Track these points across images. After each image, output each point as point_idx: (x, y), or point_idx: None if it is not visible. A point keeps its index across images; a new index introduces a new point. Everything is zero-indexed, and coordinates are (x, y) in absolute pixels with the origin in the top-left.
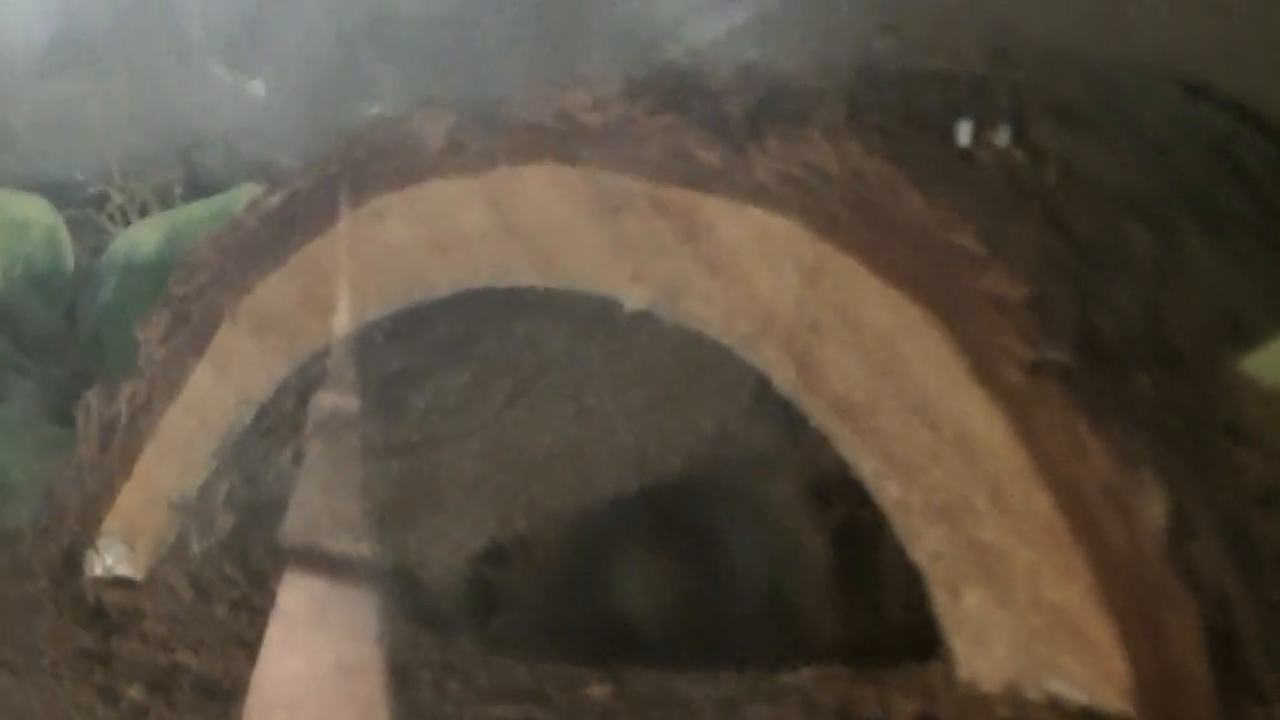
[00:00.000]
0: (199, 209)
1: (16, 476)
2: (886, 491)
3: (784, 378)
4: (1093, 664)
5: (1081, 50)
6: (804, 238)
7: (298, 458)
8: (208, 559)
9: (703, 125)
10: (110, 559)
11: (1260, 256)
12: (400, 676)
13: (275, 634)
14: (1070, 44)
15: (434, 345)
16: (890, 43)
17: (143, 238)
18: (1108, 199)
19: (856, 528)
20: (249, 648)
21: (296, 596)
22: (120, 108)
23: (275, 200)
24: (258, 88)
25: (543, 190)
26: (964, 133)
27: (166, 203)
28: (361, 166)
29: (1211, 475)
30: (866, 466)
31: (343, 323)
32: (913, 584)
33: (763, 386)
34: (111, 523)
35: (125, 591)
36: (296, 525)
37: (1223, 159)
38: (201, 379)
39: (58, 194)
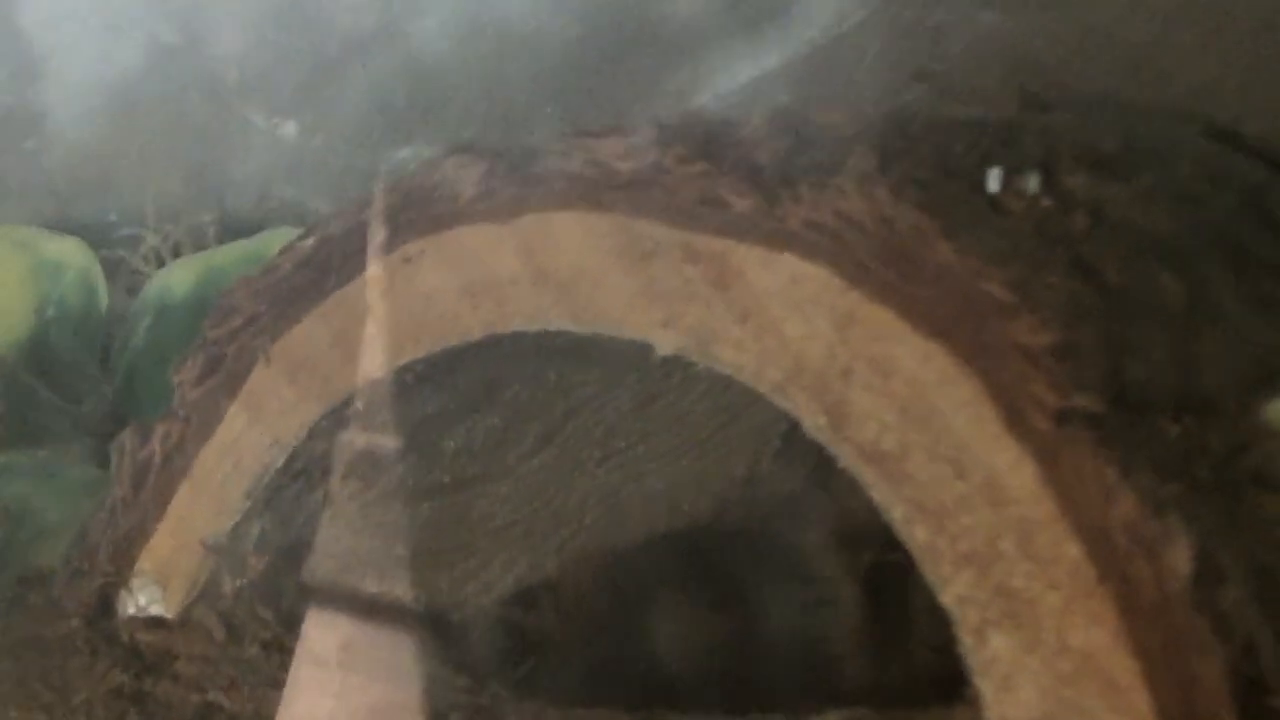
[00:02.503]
0: (232, 251)
1: (51, 516)
2: (915, 537)
3: (814, 424)
4: (1120, 709)
5: (1113, 97)
6: (835, 286)
7: (329, 500)
8: (240, 600)
9: (734, 173)
10: (143, 599)
11: None
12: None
13: (304, 675)
14: (1102, 91)
15: (465, 389)
16: (922, 90)
17: (176, 279)
18: (1138, 246)
19: (885, 572)
20: (280, 688)
21: (326, 638)
22: (155, 151)
23: (309, 244)
24: (291, 131)
25: (574, 237)
26: (993, 180)
27: (200, 244)
28: (394, 212)
29: (1240, 522)
30: (896, 512)
31: (375, 366)
32: (941, 628)
33: (792, 430)
34: (145, 563)
35: (158, 632)
36: (326, 567)
37: (1253, 207)
38: (235, 421)
39: (92, 235)
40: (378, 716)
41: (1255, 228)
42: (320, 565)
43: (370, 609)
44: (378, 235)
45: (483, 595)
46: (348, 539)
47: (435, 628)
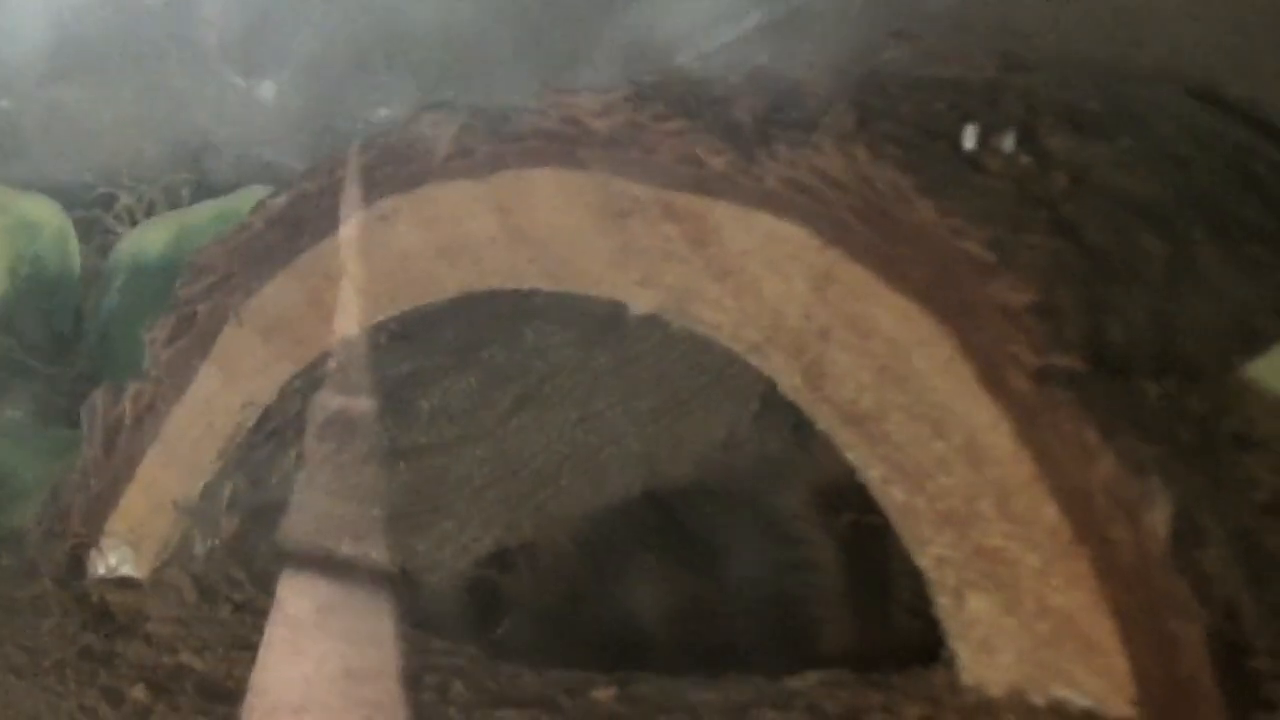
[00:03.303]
0: (206, 210)
1: (23, 477)
2: (893, 498)
3: (791, 384)
4: (1098, 670)
5: (1095, 59)
6: (813, 245)
7: (302, 460)
8: (212, 561)
9: (712, 131)
10: (114, 560)
11: (1272, 265)
12: (405, 681)
13: (278, 637)
14: (1083, 53)
15: (441, 349)
16: (902, 50)
17: (150, 239)
18: (1119, 207)
19: (863, 534)
20: (253, 650)
21: (300, 600)
22: (129, 110)
23: (282, 202)
24: (267, 91)
25: (550, 195)
26: (970, 137)
27: (175, 204)
28: (369, 169)
29: (1220, 483)
30: (874, 473)
31: (349, 325)
32: (918, 590)
33: (771, 393)
34: (116, 524)
35: (129, 593)
36: (301, 528)
37: (1235, 168)
38: (207, 381)
39: (66, 195)
40: (353, 678)
41: (1238, 189)
42: (295, 527)
43: (345, 571)
44: (352, 193)
45: (459, 557)
46: (322, 500)
47: (410, 589)
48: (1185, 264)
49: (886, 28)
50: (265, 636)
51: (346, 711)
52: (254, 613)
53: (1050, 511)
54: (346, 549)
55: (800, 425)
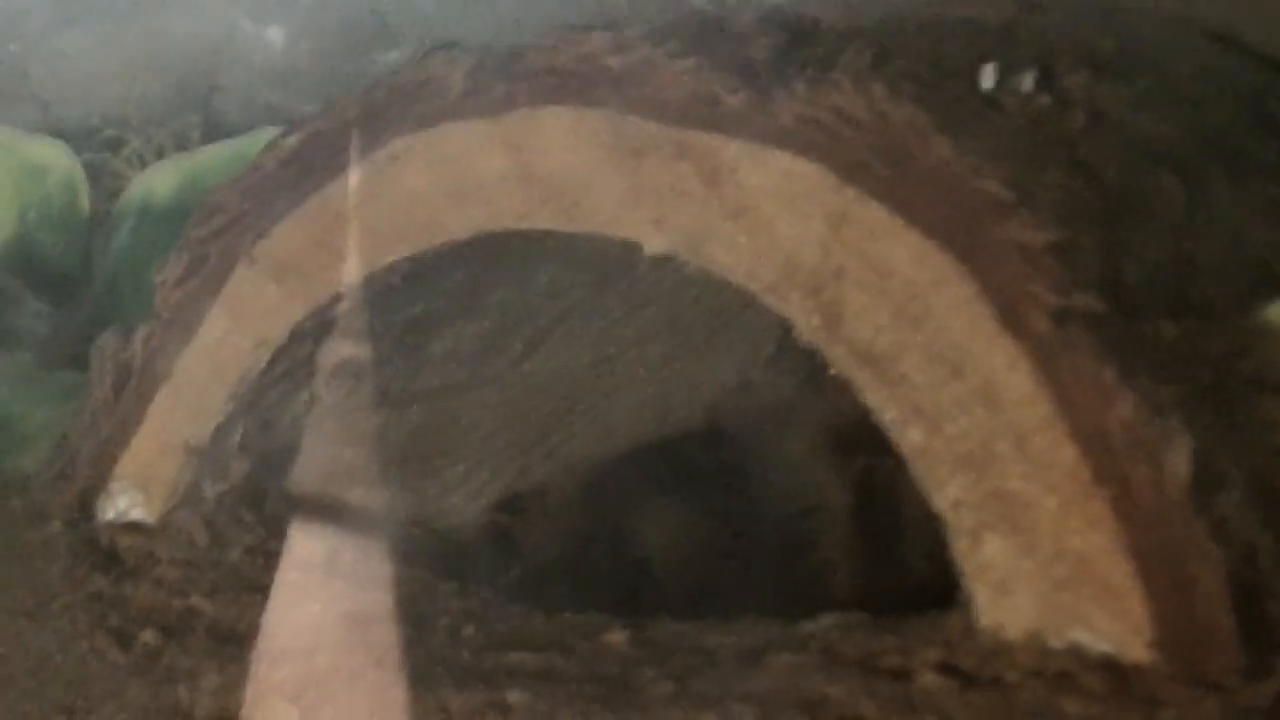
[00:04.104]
0: (216, 153)
1: (31, 421)
2: (909, 439)
3: (807, 325)
4: (1116, 613)
5: (1112, 2)
6: (829, 183)
7: (313, 403)
8: (222, 504)
9: (727, 69)
10: (124, 503)
11: None
12: (417, 624)
13: (289, 580)
14: None
15: (453, 292)
16: None
17: (159, 181)
18: (1136, 147)
19: (877, 477)
20: (263, 593)
21: (311, 543)
22: (137, 55)
23: (293, 142)
24: (275, 35)
25: (563, 134)
26: (988, 76)
27: (184, 147)
28: (380, 109)
29: (1238, 426)
30: (890, 414)
31: (360, 266)
32: (934, 532)
33: (785, 336)
34: (125, 467)
35: (139, 536)
36: (311, 472)
37: (1251, 110)
38: (217, 322)
39: (74, 139)
40: (364, 621)
41: (1254, 131)
42: (305, 471)
43: (356, 515)
44: (363, 133)
45: (471, 502)
46: (333, 444)
47: (422, 532)
48: (1202, 205)
49: None
50: (275, 580)
51: (355, 654)
52: (265, 555)
53: (1069, 453)
54: (357, 493)
55: (813, 369)
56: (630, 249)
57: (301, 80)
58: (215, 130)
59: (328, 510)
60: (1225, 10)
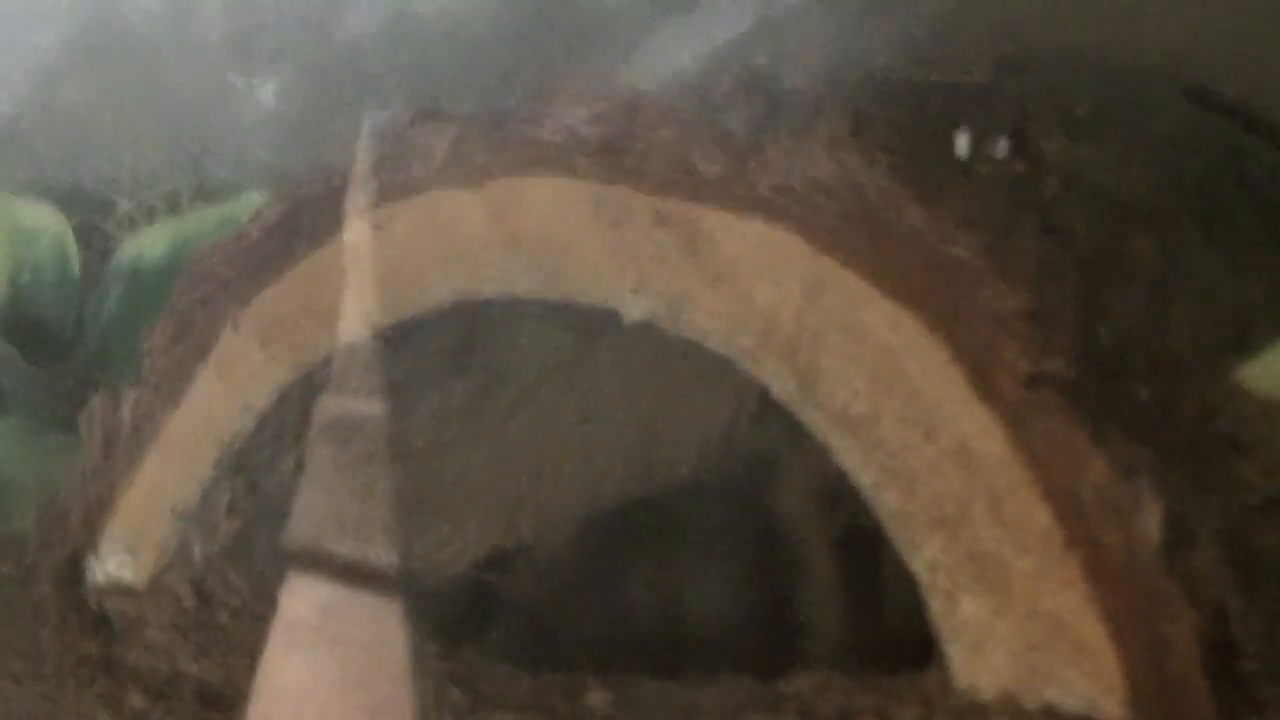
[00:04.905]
0: (205, 217)
1: (22, 483)
2: (885, 502)
3: (785, 390)
4: (1090, 673)
5: (1089, 55)
6: (805, 251)
7: (300, 465)
8: (210, 566)
9: (705, 138)
10: (113, 566)
11: (1265, 265)
12: (403, 685)
13: (278, 641)
14: (1079, 49)
15: (438, 353)
16: (895, 54)
17: (149, 245)
18: (1111, 208)
19: (856, 536)
20: (251, 655)
21: (299, 603)
22: (130, 113)
23: (280, 209)
24: (267, 93)
25: (544, 203)
26: (962, 144)
27: (175, 209)
28: (365, 177)
29: (1211, 486)
30: (866, 477)
31: (346, 331)
32: (911, 593)
33: (766, 394)
34: (115, 530)
35: (128, 599)
36: (300, 532)
37: (1229, 166)
38: (205, 386)
39: (66, 200)
40: (352, 682)
41: (1231, 189)
42: (293, 533)
43: (344, 575)
44: (348, 200)
45: (457, 560)
46: (321, 504)
47: (408, 591)
48: (1177, 265)
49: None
50: (262, 642)
51: (343, 715)
52: (252, 618)
53: (1042, 515)
54: (345, 552)
55: (795, 427)
56: (613, 311)
57: (292, 139)
58: (206, 191)
59: (315, 571)
60: (1204, 68)
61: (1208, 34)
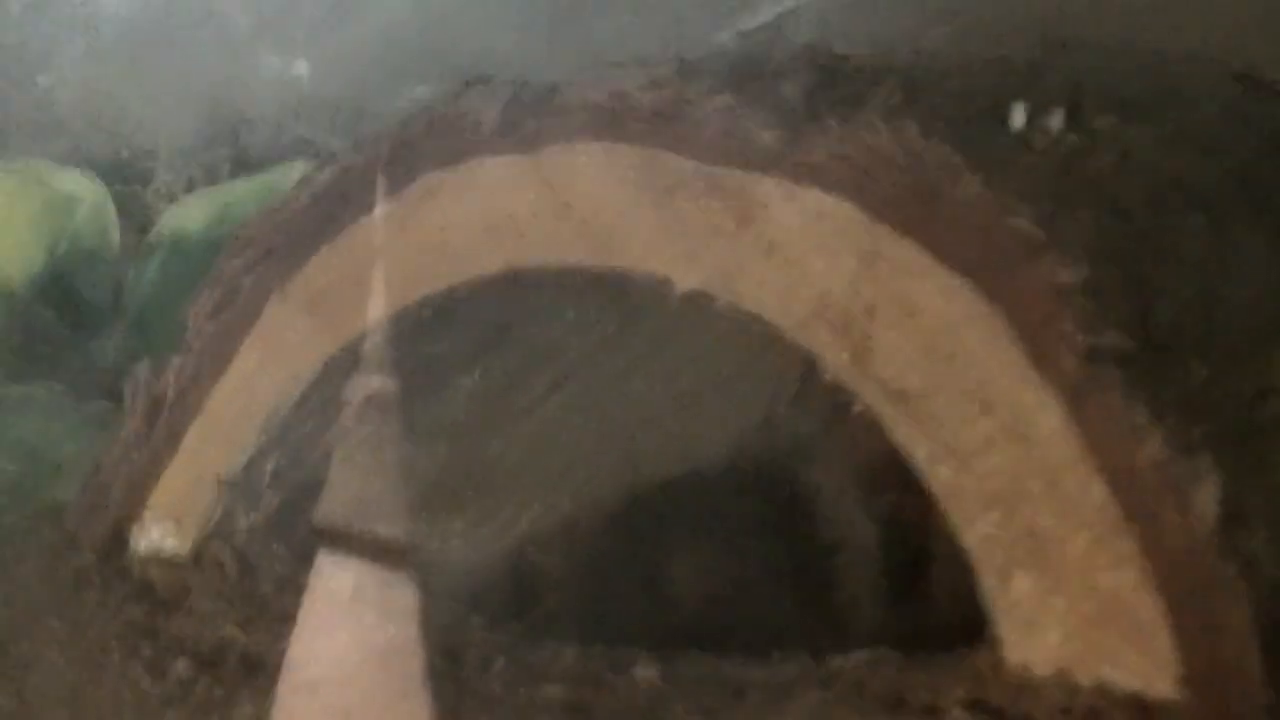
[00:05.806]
0: (246, 186)
1: (64, 452)
2: (939, 477)
3: (837, 362)
4: (1144, 651)
5: (1137, 43)
6: (860, 221)
7: (344, 437)
8: (254, 536)
9: (759, 106)
10: (156, 535)
11: None
12: (447, 657)
13: (317, 612)
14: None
15: (482, 326)
16: (946, 30)
17: (190, 215)
18: (1163, 187)
19: (903, 513)
20: (295, 624)
21: (339, 576)
22: (165, 88)
23: (327, 176)
24: (301, 69)
25: (596, 170)
26: (1018, 115)
27: (213, 180)
28: (413, 144)
29: (1266, 464)
30: (919, 452)
31: (391, 301)
32: (962, 570)
33: (809, 373)
34: (158, 499)
35: (171, 568)
36: (340, 505)
37: (1278, 151)
38: (249, 356)
39: (104, 171)
40: (391, 655)
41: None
42: (334, 504)
43: (384, 548)
44: (396, 167)
45: (498, 536)
46: (362, 477)
47: (451, 566)
48: (1228, 245)
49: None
50: (306, 612)
51: (384, 687)
52: (296, 588)
53: (1098, 491)
54: (385, 526)
55: (839, 404)
56: (658, 285)
57: (329, 114)
58: (244, 163)
59: (358, 543)
60: (1252, 52)
61: (1255, 19)
